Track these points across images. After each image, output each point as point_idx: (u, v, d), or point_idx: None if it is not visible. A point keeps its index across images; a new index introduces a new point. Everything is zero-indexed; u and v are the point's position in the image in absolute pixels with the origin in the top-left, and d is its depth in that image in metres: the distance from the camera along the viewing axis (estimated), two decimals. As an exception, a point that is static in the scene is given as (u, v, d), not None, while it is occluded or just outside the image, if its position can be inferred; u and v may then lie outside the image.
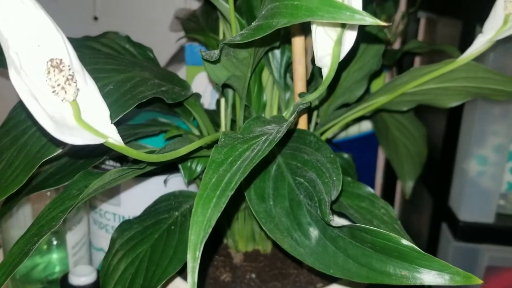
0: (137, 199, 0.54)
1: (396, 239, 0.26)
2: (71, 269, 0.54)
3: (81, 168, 0.41)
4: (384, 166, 0.95)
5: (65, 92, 0.22)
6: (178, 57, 0.92)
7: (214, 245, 0.50)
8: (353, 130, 0.73)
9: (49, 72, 0.22)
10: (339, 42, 0.25)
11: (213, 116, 0.54)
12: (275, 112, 0.47)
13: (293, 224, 0.31)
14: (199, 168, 0.43)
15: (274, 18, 0.23)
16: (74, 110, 0.23)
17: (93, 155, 0.41)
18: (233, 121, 0.49)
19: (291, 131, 0.39)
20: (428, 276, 0.26)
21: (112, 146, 0.25)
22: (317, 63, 0.27)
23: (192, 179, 0.43)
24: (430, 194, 0.74)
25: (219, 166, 0.25)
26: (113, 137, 0.26)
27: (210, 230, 0.21)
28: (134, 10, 0.93)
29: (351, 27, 0.24)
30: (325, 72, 0.27)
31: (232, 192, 0.23)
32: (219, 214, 0.22)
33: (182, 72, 0.94)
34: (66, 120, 0.24)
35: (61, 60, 0.22)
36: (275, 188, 0.34)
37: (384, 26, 0.37)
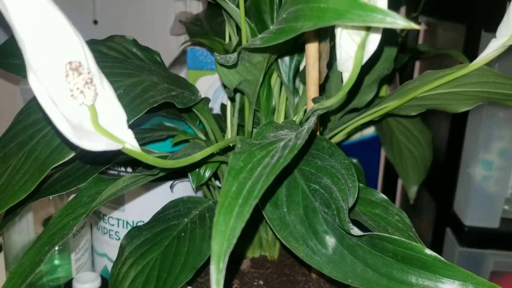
0: (142, 204, 0.53)
1: (419, 248, 0.26)
2: (74, 275, 0.53)
3: (88, 173, 0.40)
4: (384, 169, 0.95)
5: (84, 96, 0.21)
6: (179, 60, 0.91)
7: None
8: (356, 134, 0.73)
9: (67, 75, 0.21)
10: (362, 46, 0.24)
11: (218, 120, 0.54)
12: (282, 117, 0.46)
13: (309, 232, 0.31)
14: (207, 174, 0.42)
15: (298, 21, 0.23)
16: (91, 114, 0.23)
17: (99, 160, 0.40)
18: (240, 126, 0.48)
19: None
20: (451, 286, 0.25)
21: (129, 152, 0.25)
22: (339, 68, 0.26)
23: (200, 184, 0.42)
24: (434, 199, 0.74)
25: (239, 173, 0.25)
26: (130, 143, 0.25)
27: (234, 241, 0.21)
28: (133, 13, 0.93)
29: (376, 30, 0.24)
30: (346, 76, 0.26)
31: (256, 201, 0.22)
32: (243, 224, 0.21)
33: (182, 76, 0.93)
34: (83, 125, 0.23)
35: (80, 63, 0.21)
36: (288, 194, 0.33)
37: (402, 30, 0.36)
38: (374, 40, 0.24)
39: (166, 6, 0.92)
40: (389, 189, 0.93)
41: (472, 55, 0.61)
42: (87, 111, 0.23)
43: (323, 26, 0.21)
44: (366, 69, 0.42)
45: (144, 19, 0.93)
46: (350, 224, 0.28)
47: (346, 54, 0.25)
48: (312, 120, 0.27)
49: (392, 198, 0.96)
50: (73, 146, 0.22)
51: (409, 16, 0.81)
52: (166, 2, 0.91)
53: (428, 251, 0.26)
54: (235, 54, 0.29)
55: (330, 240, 0.30)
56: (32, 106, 0.38)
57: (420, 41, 0.88)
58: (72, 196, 0.54)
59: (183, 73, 0.93)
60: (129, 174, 0.50)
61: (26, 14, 0.19)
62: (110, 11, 0.92)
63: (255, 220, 0.45)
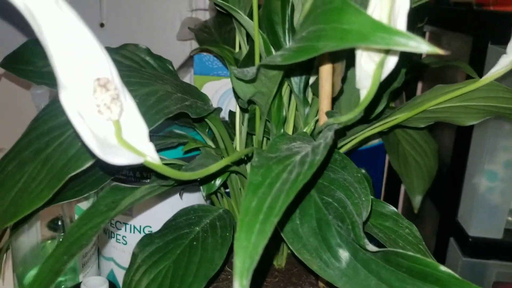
0: (149, 209, 0.53)
1: (434, 265, 0.26)
2: (81, 279, 0.53)
3: (101, 180, 0.40)
4: (386, 177, 0.95)
5: (111, 111, 0.22)
6: (185, 64, 0.92)
7: (227, 258, 0.49)
8: (360, 142, 0.73)
9: (95, 91, 0.21)
10: (381, 65, 0.25)
11: (226, 127, 0.54)
12: (292, 126, 0.47)
13: (322, 245, 0.31)
14: (218, 183, 0.43)
15: (320, 41, 0.23)
16: (116, 129, 0.23)
17: (111, 166, 0.41)
18: (248, 134, 0.49)
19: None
20: (465, 302, 0.26)
21: (150, 165, 0.25)
22: (357, 85, 0.26)
23: (210, 193, 0.43)
24: (437, 208, 0.74)
25: (258, 188, 0.25)
26: (151, 155, 0.25)
27: (257, 257, 0.21)
28: (140, 17, 0.93)
29: (395, 50, 0.24)
30: (363, 93, 0.27)
31: (278, 218, 0.22)
32: (266, 242, 0.21)
33: (187, 80, 0.93)
34: (107, 138, 0.23)
35: (107, 79, 0.21)
36: (301, 206, 0.34)
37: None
38: (393, 59, 0.25)
39: (173, 11, 0.92)
40: (392, 197, 0.93)
41: (478, 67, 0.61)
42: (112, 125, 0.23)
43: (345, 48, 0.22)
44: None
45: (150, 23, 0.94)
46: (366, 240, 0.28)
47: (365, 72, 0.25)
48: (329, 135, 0.28)
49: (394, 206, 0.96)
50: (93, 154, 0.23)
51: (414, 26, 0.81)
52: (173, 7, 0.92)
53: (443, 268, 0.26)
54: (254, 69, 0.29)
55: (344, 254, 0.30)
56: (47, 113, 0.38)
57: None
58: (84, 202, 0.54)
59: (188, 76, 0.93)
60: (137, 178, 0.50)
61: (58, 34, 0.19)
62: (116, 15, 0.92)
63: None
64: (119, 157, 0.23)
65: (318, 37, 0.23)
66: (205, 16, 0.92)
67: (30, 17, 0.19)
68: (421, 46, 0.20)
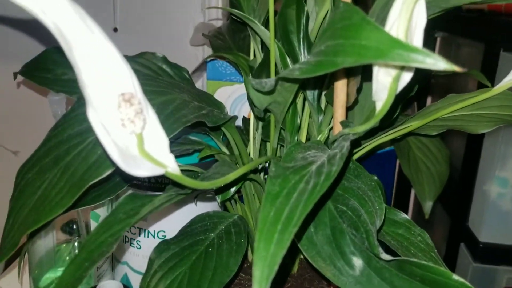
0: (163, 214, 0.54)
1: (447, 274, 0.27)
2: (96, 283, 0.54)
3: (118, 186, 0.41)
4: (396, 182, 0.95)
5: (134, 125, 0.23)
6: (199, 69, 0.92)
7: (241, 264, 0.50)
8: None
9: (120, 106, 0.22)
10: (397, 79, 0.25)
11: (240, 133, 0.54)
12: (305, 134, 0.47)
13: (336, 252, 0.32)
14: (232, 190, 0.43)
15: (338, 56, 0.24)
16: (138, 141, 0.24)
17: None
18: (262, 141, 0.49)
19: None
20: (478, 311, 0.26)
21: (171, 176, 0.26)
22: (373, 97, 0.27)
23: (225, 200, 0.43)
24: (448, 214, 0.74)
25: (276, 198, 0.26)
26: (171, 166, 0.26)
27: (276, 267, 0.22)
28: (153, 22, 0.94)
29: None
30: (379, 105, 0.27)
31: (296, 229, 0.23)
32: (284, 251, 0.22)
33: (198, 85, 0.94)
34: (129, 150, 0.24)
35: (132, 94, 0.22)
36: (315, 214, 0.34)
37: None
38: (409, 73, 0.25)
39: (186, 17, 0.93)
40: (402, 202, 0.93)
41: (490, 74, 0.61)
42: (135, 137, 0.24)
43: (364, 64, 0.22)
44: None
45: (163, 28, 0.95)
46: (380, 248, 0.29)
47: (381, 85, 0.26)
48: (345, 146, 0.28)
49: (404, 211, 0.96)
50: (113, 162, 0.23)
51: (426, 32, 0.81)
52: (186, 12, 0.93)
53: (456, 277, 0.27)
54: (272, 81, 0.30)
55: (357, 262, 0.31)
56: (66, 122, 0.39)
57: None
58: (101, 208, 0.55)
59: (201, 81, 0.94)
60: (152, 184, 0.51)
61: (87, 53, 0.20)
62: (130, 20, 0.94)
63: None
64: (141, 169, 0.24)
65: (336, 52, 0.24)
66: (217, 20, 0.93)
67: (60, 37, 0.20)
68: (438, 63, 0.20)
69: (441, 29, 0.85)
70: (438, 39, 0.89)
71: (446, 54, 0.86)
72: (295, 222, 0.23)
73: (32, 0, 0.19)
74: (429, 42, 0.86)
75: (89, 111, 0.21)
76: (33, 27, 0.87)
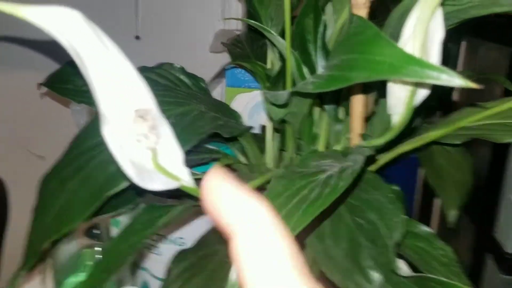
0: (184, 223, 0.54)
1: (468, 292, 0.26)
2: (116, 290, 0.55)
3: (138, 194, 0.42)
4: (420, 190, 0.93)
5: (149, 140, 0.23)
6: (217, 75, 0.93)
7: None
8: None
9: (134, 122, 0.22)
10: (414, 93, 0.25)
11: (257, 140, 0.54)
12: (323, 143, 0.47)
13: (354, 266, 0.31)
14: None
15: (352, 71, 0.23)
16: (153, 156, 0.24)
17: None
18: (279, 150, 0.49)
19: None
20: (500, 331, 0.25)
21: (186, 189, 0.26)
22: (388, 110, 0.27)
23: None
24: (473, 223, 0.73)
25: (276, 197, 0.25)
26: (186, 180, 0.26)
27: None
28: (175, 30, 0.95)
29: (429, 79, 0.24)
30: (395, 119, 0.27)
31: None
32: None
33: (217, 91, 0.95)
34: (144, 164, 0.24)
35: (146, 110, 0.22)
36: (332, 227, 0.34)
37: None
38: (425, 88, 0.25)
39: (206, 24, 0.94)
40: (426, 211, 0.92)
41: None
42: (149, 152, 0.24)
43: (377, 79, 0.22)
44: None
45: (184, 35, 0.96)
46: (398, 264, 0.28)
47: (397, 99, 0.25)
48: (359, 160, 0.28)
49: (427, 219, 0.94)
50: (123, 175, 0.24)
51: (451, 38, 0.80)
52: (206, 19, 0.94)
53: (476, 296, 0.26)
54: (285, 95, 0.29)
55: (375, 276, 0.30)
56: (86, 133, 0.39)
57: (461, 61, 0.87)
58: (119, 217, 0.56)
59: (220, 87, 0.95)
60: (170, 192, 0.52)
61: (102, 71, 0.21)
62: (152, 27, 0.95)
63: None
64: (155, 182, 0.24)
65: (350, 67, 0.24)
66: (237, 27, 0.93)
67: (75, 55, 0.20)
68: (454, 79, 0.20)
69: (467, 33, 0.83)
70: (464, 44, 0.88)
71: (471, 59, 0.84)
72: (290, 229, 0.23)
73: (49, 21, 0.19)
74: (454, 47, 0.85)
75: (103, 127, 0.22)
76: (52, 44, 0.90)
